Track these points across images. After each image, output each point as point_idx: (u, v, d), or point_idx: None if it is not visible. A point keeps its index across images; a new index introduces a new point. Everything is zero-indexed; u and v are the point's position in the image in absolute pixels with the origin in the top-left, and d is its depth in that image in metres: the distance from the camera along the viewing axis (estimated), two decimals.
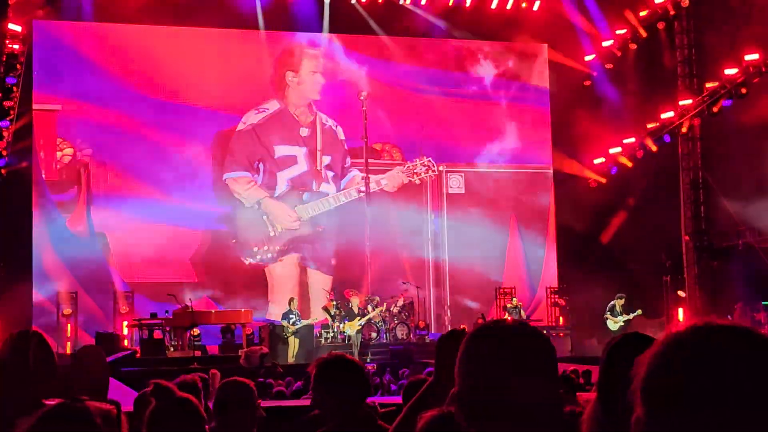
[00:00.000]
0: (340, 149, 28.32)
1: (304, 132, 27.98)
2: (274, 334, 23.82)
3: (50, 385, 2.78)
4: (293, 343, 23.79)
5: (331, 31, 28.13)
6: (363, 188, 26.61)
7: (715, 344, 1.54)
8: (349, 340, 24.36)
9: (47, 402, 2.47)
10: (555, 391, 2.00)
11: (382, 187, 27.84)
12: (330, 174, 28.17)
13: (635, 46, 27.50)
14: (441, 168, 28.64)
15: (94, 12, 25.97)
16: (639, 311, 24.93)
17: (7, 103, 22.63)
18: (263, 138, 27.73)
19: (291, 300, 24.72)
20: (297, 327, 23.95)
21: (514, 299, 26.44)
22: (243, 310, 24.82)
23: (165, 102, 27.15)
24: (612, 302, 25.07)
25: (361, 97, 26.35)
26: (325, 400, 4.15)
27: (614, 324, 24.88)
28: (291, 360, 23.22)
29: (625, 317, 24.83)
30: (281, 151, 27.82)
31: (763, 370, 1.51)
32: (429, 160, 28.02)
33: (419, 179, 28.07)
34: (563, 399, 2.04)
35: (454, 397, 2.03)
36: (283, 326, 23.97)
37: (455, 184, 29.14)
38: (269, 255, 27.34)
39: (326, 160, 28.15)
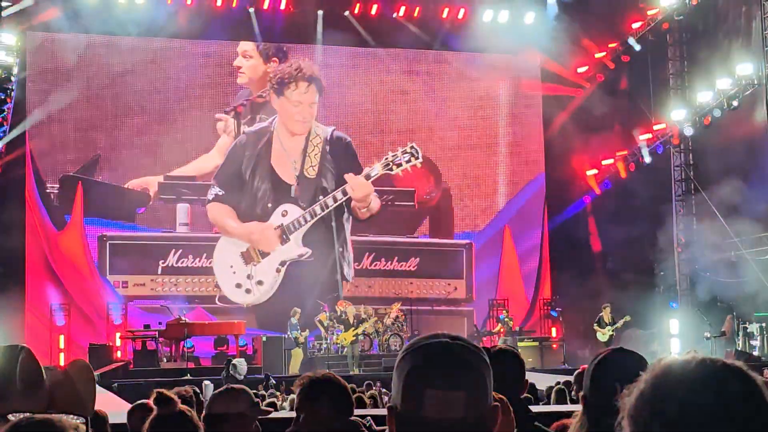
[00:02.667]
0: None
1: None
2: (268, 346, 23.77)
3: (37, 401, 2.79)
4: (297, 355, 23.65)
5: (324, 43, 28.14)
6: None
7: (707, 382, 1.58)
8: (343, 351, 24.32)
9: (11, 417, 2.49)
10: (479, 404, 1.99)
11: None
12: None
13: (628, 58, 27.57)
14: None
15: (88, 24, 25.96)
16: (627, 317, 24.91)
17: (0, 115, 22.63)
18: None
19: (295, 312, 24.70)
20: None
21: (506, 311, 26.43)
22: (236, 321, 24.81)
23: (158, 114, 27.17)
24: (599, 314, 25.08)
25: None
26: (306, 420, 4.15)
27: (603, 335, 24.86)
28: (296, 371, 23.04)
29: (614, 326, 24.83)
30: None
31: (753, 409, 1.56)
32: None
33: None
34: (493, 413, 2.03)
35: (389, 411, 2.04)
36: (295, 337, 23.96)
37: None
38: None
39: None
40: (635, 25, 27.20)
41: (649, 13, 26.74)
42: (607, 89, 28.48)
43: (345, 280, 27.79)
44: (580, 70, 29.05)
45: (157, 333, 23.43)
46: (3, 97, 22.84)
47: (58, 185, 26.33)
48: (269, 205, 27.35)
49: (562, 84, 28.94)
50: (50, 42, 26.37)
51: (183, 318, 23.85)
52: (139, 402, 6.93)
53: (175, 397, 3.95)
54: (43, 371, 2.88)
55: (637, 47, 27.25)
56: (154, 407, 3.92)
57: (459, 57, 29.33)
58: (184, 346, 23.49)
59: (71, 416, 2.52)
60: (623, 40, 27.50)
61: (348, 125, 28.30)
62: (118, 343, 24.23)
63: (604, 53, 28.05)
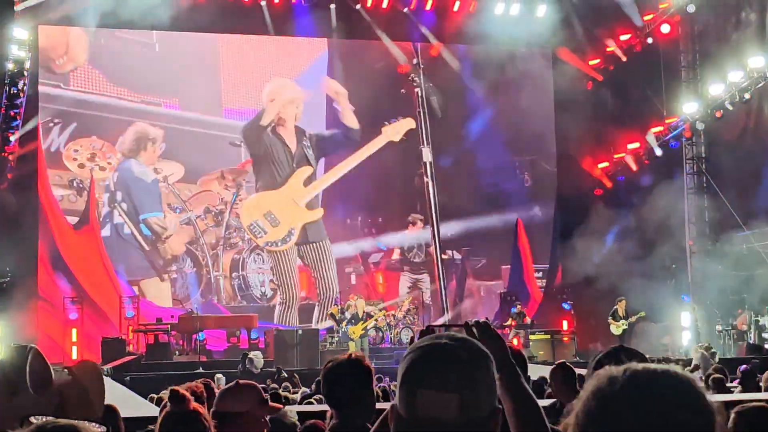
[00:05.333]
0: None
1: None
2: (279, 339, 23.82)
3: (45, 401, 2.82)
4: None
5: (338, 36, 28.20)
6: None
7: (642, 391, 1.63)
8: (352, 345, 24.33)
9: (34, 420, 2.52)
10: (475, 407, 2.00)
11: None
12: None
13: (640, 50, 27.51)
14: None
15: (99, 18, 26.02)
16: (642, 313, 24.92)
17: (13, 110, 22.70)
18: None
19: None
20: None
21: (518, 304, 26.40)
22: (248, 315, 24.88)
23: (171, 109, 27.23)
24: (614, 307, 25.09)
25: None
26: (329, 403, 4.21)
27: (617, 329, 24.87)
28: None
29: (628, 320, 24.84)
30: None
31: (696, 415, 1.61)
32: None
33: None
34: (493, 417, 2.04)
35: (390, 410, 2.08)
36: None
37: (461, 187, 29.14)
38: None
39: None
40: (647, 18, 27.13)
41: (661, 5, 26.68)
42: (619, 82, 28.43)
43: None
44: (592, 62, 29.00)
45: (169, 326, 23.52)
46: (15, 91, 22.87)
47: (70, 177, 26.48)
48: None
49: (574, 77, 28.88)
50: (63, 36, 26.45)
51: (195, 311, 23.93)
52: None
53: (189, 395, 3.98)
54: (52, 371, 2.91)
55: (649, 40, 27.20)
56: (168, 404, 3.97)
57: (470, 50, 29.28)
58: (196, 340, 23.57)
59: (94, 425, 2.55)
60: (635, 33, 27.45)
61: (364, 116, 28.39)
62: (131, 336, 24.31)
63: (615, 46, 27.99)
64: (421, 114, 27.92)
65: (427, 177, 28.14)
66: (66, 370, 2.96)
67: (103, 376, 3.12)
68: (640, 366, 1.67)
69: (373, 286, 27.81)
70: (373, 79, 28.04)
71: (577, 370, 14.64)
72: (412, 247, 28.81)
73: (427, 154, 28.09)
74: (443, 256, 28.58)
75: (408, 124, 28.23)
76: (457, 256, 29.17)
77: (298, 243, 27.64)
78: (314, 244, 27.86)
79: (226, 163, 27.71)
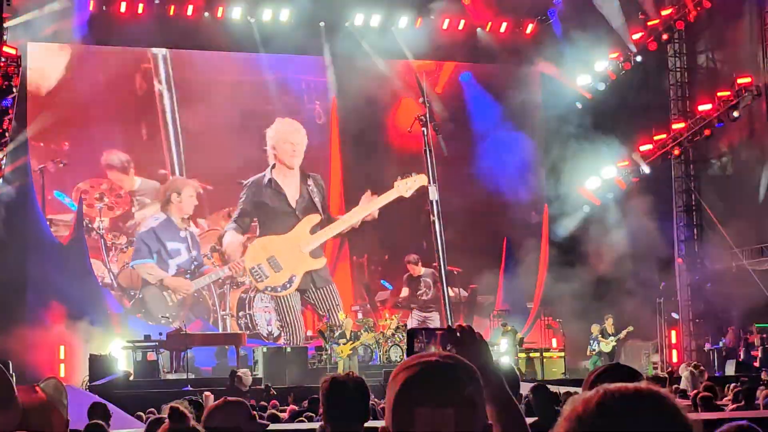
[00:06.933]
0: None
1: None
2: (268, 357, 23.74)
3: (7, 419, 2.78)
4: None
5: (330, 55, 28.23)
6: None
7: (623, 412, 1.63)
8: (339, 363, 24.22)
9: None
10: (470, 422, 2.02)
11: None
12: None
13: (629, 66, 27.59)
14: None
15: (90, 35, 26.01)
16: (630, 328, 24.94)
17: (2, 126, 22.65)
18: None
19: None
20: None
21: (504, 323, 26.27)
22: (236, 332, 24.79)
23: (161, 130, 27.24)
24: (602, 325, 25.09)
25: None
26: (325, 422, 4.26)
27: (606, 345, 24.87)
28: None
29: (617, 336, 24.85)
30: None
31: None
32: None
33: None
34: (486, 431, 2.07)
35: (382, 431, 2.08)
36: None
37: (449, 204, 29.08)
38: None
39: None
40: (636, 36, 27.24)
41: (650, 24, 26.80)
42: (608, 100, 28.51)
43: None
44: (581, 80, 29.07)
45: (157, 344, 23.42)
46: (6, 107, 22.83)
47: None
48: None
49: (563, 94, 28.95)
50: (52, 53, 26.43)
51: (183, 329, 23.84)
52: (157, 417, 6.97)
53: (188, 413, 3.97)
54: (15, 388, 2.86)
55: (638, 58, 27.30)
56: (167, 421, 3.95)
57: (459, 68, 29.34)
58: (185, 357, 23.47)
59: None
60: (624, 51, 27.55)
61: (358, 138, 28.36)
62: (119, 353, 24.18)
63: (605, 63, 28.07)
64: (428, 152, 27.41)
65: (433, 215, 27.69)
66: (31, 387, 2.92)
67: (67, 394, 3.08)
68: (613, 386, 1.66)
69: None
70: (368, 98, 28.01)
71: (565, 388, 14.64)
72: (420, 285, 28.74)
73: (433, 193, 27.61)
74: (451, 294, 28.27)
75: (421, 180, 27.79)
76: (465, 293, 29.06)
77: (300, 289, 27.57)
78: (321, 290, 27.79)
79: (234, 203, 27.73)
